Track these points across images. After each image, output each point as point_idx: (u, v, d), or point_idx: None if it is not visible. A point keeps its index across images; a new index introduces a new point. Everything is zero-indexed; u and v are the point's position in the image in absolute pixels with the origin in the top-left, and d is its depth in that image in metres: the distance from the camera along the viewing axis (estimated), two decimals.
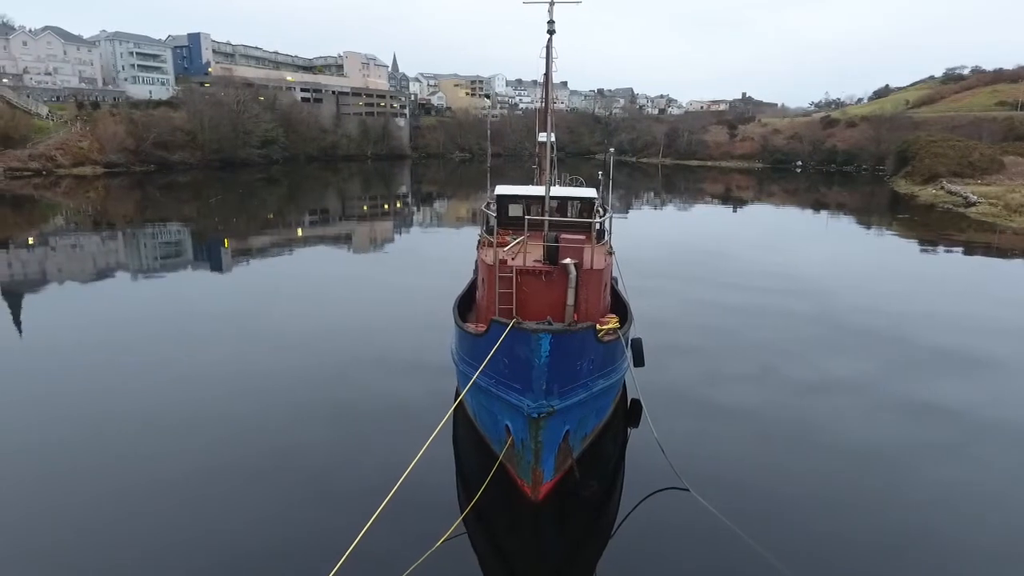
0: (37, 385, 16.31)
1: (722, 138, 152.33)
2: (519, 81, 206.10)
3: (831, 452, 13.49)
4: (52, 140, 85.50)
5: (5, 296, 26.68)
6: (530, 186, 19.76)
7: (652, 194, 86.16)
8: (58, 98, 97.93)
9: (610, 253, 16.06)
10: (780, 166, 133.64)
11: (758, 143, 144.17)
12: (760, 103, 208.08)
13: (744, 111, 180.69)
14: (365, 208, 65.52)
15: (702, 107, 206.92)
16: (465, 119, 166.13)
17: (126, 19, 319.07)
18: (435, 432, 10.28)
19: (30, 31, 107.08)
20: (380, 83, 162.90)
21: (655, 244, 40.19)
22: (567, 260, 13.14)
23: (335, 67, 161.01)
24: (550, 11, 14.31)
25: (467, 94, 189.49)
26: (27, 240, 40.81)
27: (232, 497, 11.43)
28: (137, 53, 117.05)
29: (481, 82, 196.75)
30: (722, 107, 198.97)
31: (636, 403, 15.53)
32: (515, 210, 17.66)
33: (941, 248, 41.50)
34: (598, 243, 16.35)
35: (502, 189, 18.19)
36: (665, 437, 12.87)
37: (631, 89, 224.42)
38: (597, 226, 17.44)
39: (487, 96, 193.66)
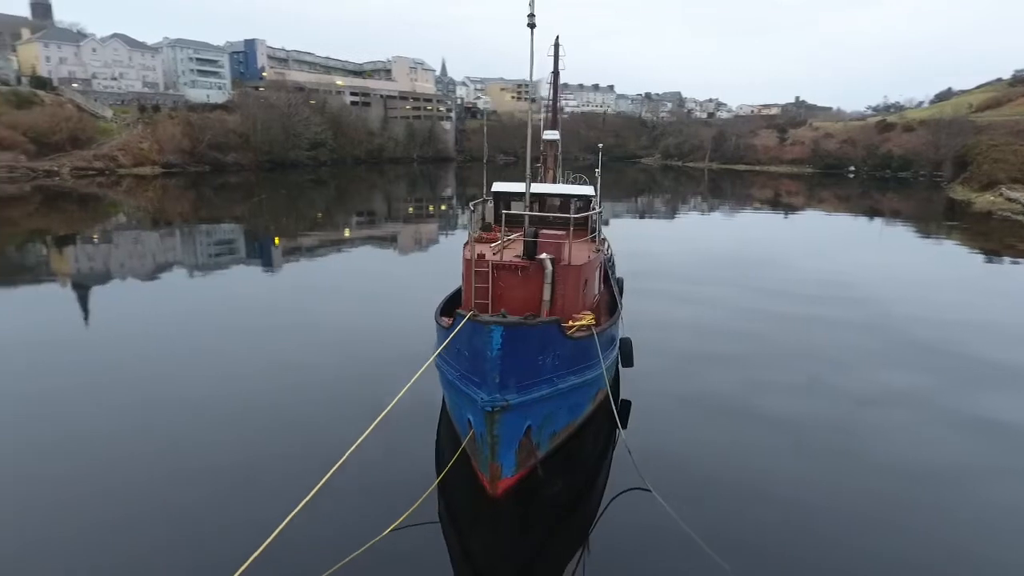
0: (98, 374, 17.11)
1: (771, 142, 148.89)
2: (565, 85, 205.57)
3: (877, 468, 12.96)
4: (115, 141, 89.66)
5: (73, 288, 28.20)
6: (533, 184, 19.54)
7: (699, 199, 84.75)
8: (122, 102, 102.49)
9: (598, 251, 15.71)
10: (832, 171, 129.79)
11: (809, 148, 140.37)
12: (814, 107, 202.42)
13: (796, 115, 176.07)
14: (411, 210, 66.48)
15: (752, 111, 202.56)
16: (510, 123, 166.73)
17: (188, 26, 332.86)
18: (378, 419, 9.65)
19: (99, 39, 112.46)
20: (427, 87, 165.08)
21: (701, 249, 39.63)
22: (543, 255, 13.15)
23: (384, 71, 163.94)
24: (531, 3, 13.59)
25: (512, 98, 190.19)
26: (92, 236, 42.92)
27: (240, 480, 11.76)
28: (196, 59, 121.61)
29: (527, 86, 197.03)
30: (773, 111, 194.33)
31: (627, 404, 15.47)
32: (510, 207, 17.62)
33: (1006, 259, 39.64)
34: (591, 240, 16.16)
35: (499, 186, 18.12)
36: (672, 443, 12.98)
37: (679, 93, 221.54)
38: (586, 223, 17.00)
39: (532, 100, 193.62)
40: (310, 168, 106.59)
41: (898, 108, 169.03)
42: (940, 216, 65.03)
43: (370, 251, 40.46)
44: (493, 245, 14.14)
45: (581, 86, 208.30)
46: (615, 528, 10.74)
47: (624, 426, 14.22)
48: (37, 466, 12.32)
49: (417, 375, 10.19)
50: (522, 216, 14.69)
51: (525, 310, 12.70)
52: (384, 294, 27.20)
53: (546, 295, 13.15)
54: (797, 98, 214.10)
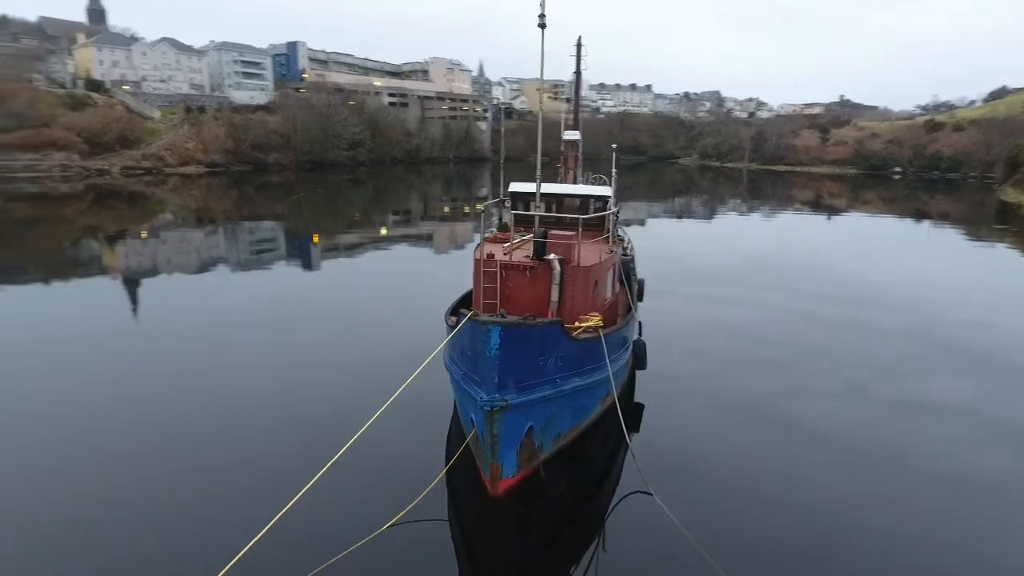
0: (146, 364, 17.76)
1: (813, 142, 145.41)
2: (602, 85, 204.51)
3: (922, 479, 12.59)
4: (162, 141, 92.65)
5: (124, 283, 29.28)
6: (547, 184, 19.44)
7: (738, 200, 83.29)
8: (170, 103, 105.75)
9: (611, 252, 15.50)
10: (876, 172, 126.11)
11: (852, 148, 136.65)
12: (859, 106, 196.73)
13: (840, 114, 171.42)
14: (446, 209, 66.97)
15: (794, 110, 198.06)
16: (545, 123, 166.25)
17: (234, 29, 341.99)
18: (375, 416, 9.87)
19: (149, 43, 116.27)
20: (464, 88, 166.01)
21: (740, 251, 38.96)
22: (551, 256, 13.02)
23: (421, 72, 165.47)
24: (542, 4, 13.56)
25: (549, 98, 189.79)
26: (140, 233, 44.44)
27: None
28: (240, 61, 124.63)
29: (563, 86, 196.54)
30: (816, 110, 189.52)
31: (639, 407, 15.31)
32: (520, 207, 17.66)
33: None
34: (605, 241, 16.01)
35: (515, 186, 18.05)
36: (686, 448, 12.82)
37: (718, 92, 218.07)
38: (602, 223, 16.77)
39: (568, 100, 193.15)
40: (348, 168, 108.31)
41: (949, 107, 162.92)
42: (991, 219, 62.62)
43: (405, 250, 40.91)
44: (505, 245, 14.20)
45: (618, 86, 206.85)
46: (616, 533, 10.64)
47: (637, 429, 14.17)
48: (74, 455, 12.85)
49: (413, 376, 10.30)
50: (544, 216, 14.65)
51: (533, 310, 12.69)
52: (417, 291, 27.49)
53: (554, 296, 13.10)
54: (841, 97, 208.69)
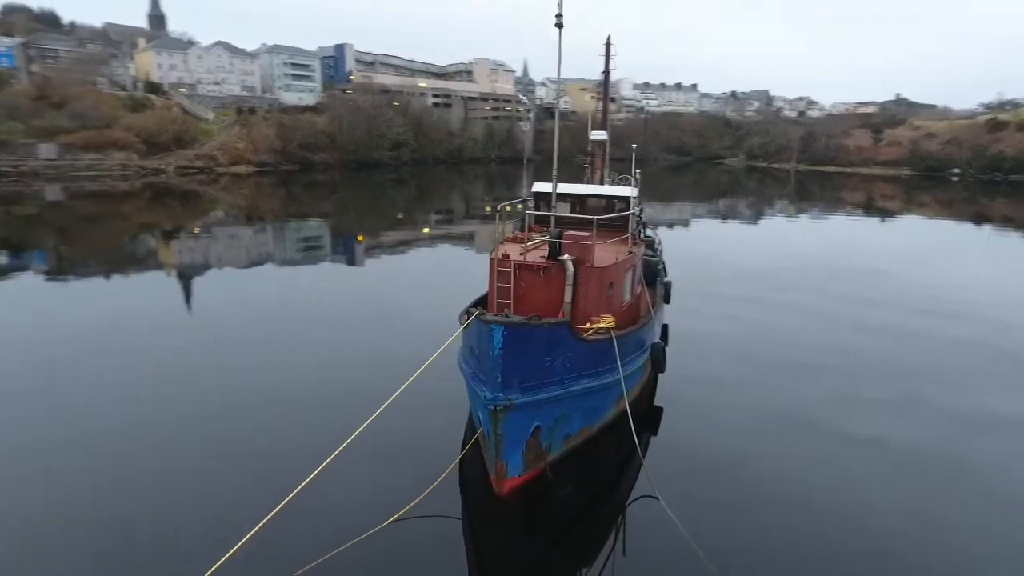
0: (200, 355, 18.41)
1: (865, 142, 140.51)
2: (646, 84, 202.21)
3: (987, 500, 11.93)
4: (214, 142, 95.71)
5: (179, 278, 30.38)
6: (570, 184, 19.29)
7: (785, 201, 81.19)
8: (222, 105, 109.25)
9: (630, 253, 15.24)
10: (932, 174, 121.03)
11: (907, 148, 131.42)
12: (916, 104, 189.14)
13: (896, 113, 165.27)
14: (488, 209, 67.29)
15: (847, 109, 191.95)
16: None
17: (286, 32, 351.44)
18: (379, 411, 9.86)
19: (204, 46, 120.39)
20: (507, 88, 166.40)
21: (787, 255, 37.97)
22: (564, 256, 12.91)
23: (465, 73, 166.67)
24: (559, 4, 13.41)
25: (592, 98, 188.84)
26: (193, 230, 46.03)
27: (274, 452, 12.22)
28: (290, 63, 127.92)
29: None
30: (870, 109, 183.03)
31: (658, 410, 15.09)
32: (543, 207, 17.52)
33: None
34: (624, 241, 15.83)
35: (539, 186, 17.93)
36: (702, 454, 12.59)
37: (767, 91, 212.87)
38: (623, 223, 16.46)
39: (612, 100, 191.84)
40: (392, 168, 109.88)
41: (1015, 105, 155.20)
42: None
43: (447, 249, 41.25)
44: (524, 245, 14.16)
45: (663, 85, 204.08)
46: (621, 538, 10.49)
47: (655, 433, 14.07)
48: (103, 442, 13.36)
49: (418, 372, 10.42)
50: (562, 216, 14.60)
51: (547, 311, 12.68)
52: (456, 289, 27.55)
53: (567, 296, 13.01)
54: (898, 95, 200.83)
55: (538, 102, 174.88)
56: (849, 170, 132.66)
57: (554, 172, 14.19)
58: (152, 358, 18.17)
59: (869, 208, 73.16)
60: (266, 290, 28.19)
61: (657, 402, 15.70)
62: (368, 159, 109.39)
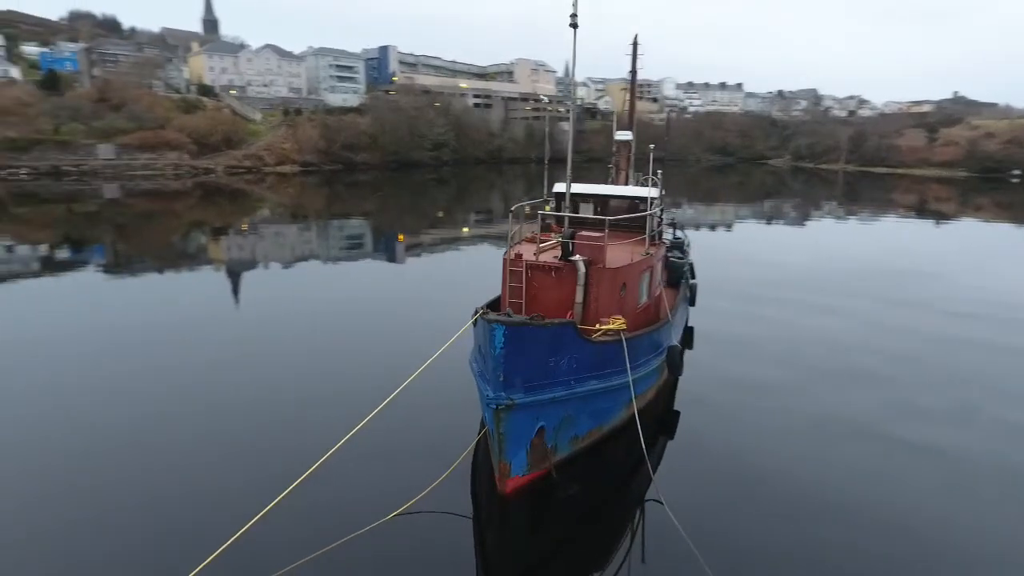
0: (238, 348, 18.96)
1: (918, 142, 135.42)
2: (690, 84, 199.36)
3: None
4: (262, 142, 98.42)
5: (227, 274, 31.37)
6: (590, 184, 18.89)
7: (834, 203, 78.90)
8: (270, 106, 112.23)
9: (648, 254, 14.95)
10: (991, 175, 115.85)
11: (963, 148, 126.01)
12: (975, 103, 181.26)
13: (952, 112, 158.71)
14: (528, 210, 67.27)
15: (900, 108, 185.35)
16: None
17: (334, 34, 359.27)
18: (383, 404, 10.08)
19: (254, 49, 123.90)
20: (548, 88, 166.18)
21: (835, 258, 36.90)
22: (576, 257, 12.78)
23: (506, 74, 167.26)
24: (574, 4, 13.27)
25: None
26: (241, 227, 47.40)
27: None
28: (336, 65, 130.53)
29: (649, 86, 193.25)
30: (926, 108, 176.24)
31: (675, 414, 14.88)
32: (569, 208, 17.36)
33: None
34: (650, 243, 15.62)
35: (560, 187, 17.71)
36: (717, 460, 12.35)
37: (815, 90, 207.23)
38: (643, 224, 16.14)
39: (654, 100, 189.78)
40: (432, 167, 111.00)
41: None
42: None
43: (486, 248, 41.44)
44: (541, 245, 14.12)
45: (707, 85, 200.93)
46: (620, 541, 10.33)
47: (672, 436, 13.91)
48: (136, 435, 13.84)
49: (420, 370, 10.55)
50: (575, 217, 14.58)
51: (559, 312, 12.66)
52: (491, 288, 27.75)
53: (578, 297, 12.94)
54: (955, 93, 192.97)
55: (579, 102, 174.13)
56: (901, 171, 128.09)
57: (568, 173, 14.21)
58: (193, 350, 18.79)
59: (922, 211, 70.51)
60: (307, 286, 28.83)
61: (676, 406, 15.49)
62: (409, 159, 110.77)
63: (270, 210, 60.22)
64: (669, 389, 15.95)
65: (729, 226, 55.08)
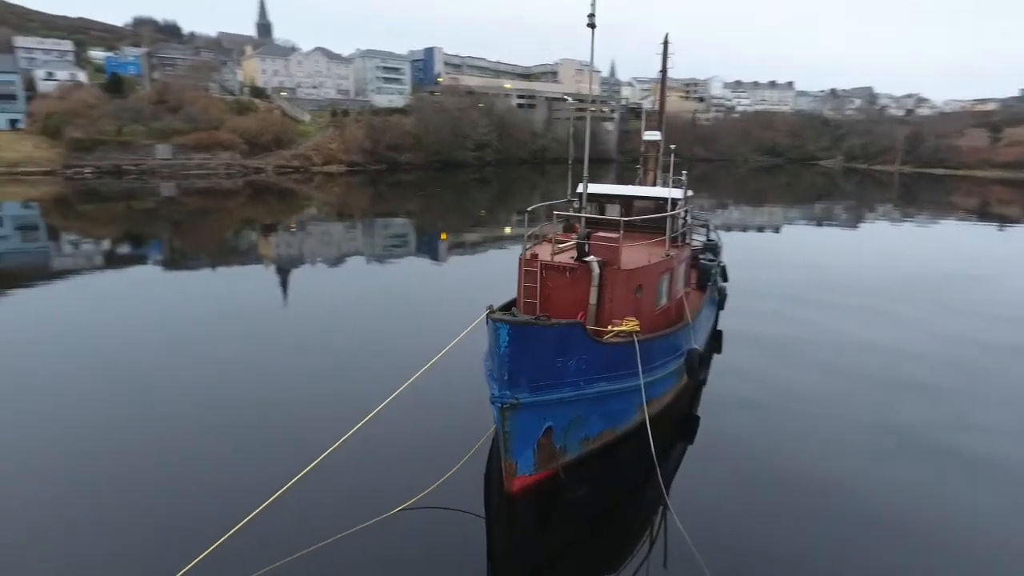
0: (291, 342, 19.46)
1: (981, 142, 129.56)
2: (738, 83, 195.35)
3: None
4: (310, 142, 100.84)
5: (277, 271, 32.26)
6: (613, 185, 18.66)
7: (889, 206, 76.11)
8: (319, 107, 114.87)
9: (668, 256, 14.60)
10: None
11: None
12: None
13: (1019, 111, 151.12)
14: (571, 210, 66.98)
15: (962, 107, 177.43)
16: (675, 123, 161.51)
17: (384, 38, 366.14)
18: (389, 399, 10.50)
19: (304, 52, 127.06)
20: (592, 88, 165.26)
21: (891, 262, 35.57)
22: (590, 258, 12.63)
23: (550, 74, 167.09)
24: (593, 4, 13.13)
25: (680, 97, 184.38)
26: (289, 226, 48.66)
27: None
28: (382, 67, 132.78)
29: (696, 85, 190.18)
30: (990, 106, 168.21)
31: (695, 419, 14.60)
32: (591, 209, 17.35)
33: None
34: (672, 245, 15.33)
35: (592, 188, 17.61)
36: (732, 467, 11.98)
37: (870, 88, 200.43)
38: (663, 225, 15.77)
39: (701, 99, 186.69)
40: (475, 167, 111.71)
41: None
42: None
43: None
44: (558, 246, 14.04)
45: (756, 83, 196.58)
46: (626, 548, 10.11)
47: (691, 441, 13.71)
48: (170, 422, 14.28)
49: (427, 367, 10.70)
50: (591, 217, 14.53)
51: (573, 312, 12.60)
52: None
53: (592, 298, 12.81)
54: (1023, 91, 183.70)
55: (623, 102, 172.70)
56: (961, 172, 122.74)
57: (585, 174, 14.10)
58: (228, 344, 19.38)
59: (984, 214, 67.37)
60: (349, 283, 29.40)
61: (699, 410, 15.19)
62: (452, 159, 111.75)
63: (317, 209, 61.62)
64: (691, 393, 15.69)
65: (777, 228, 53.71)
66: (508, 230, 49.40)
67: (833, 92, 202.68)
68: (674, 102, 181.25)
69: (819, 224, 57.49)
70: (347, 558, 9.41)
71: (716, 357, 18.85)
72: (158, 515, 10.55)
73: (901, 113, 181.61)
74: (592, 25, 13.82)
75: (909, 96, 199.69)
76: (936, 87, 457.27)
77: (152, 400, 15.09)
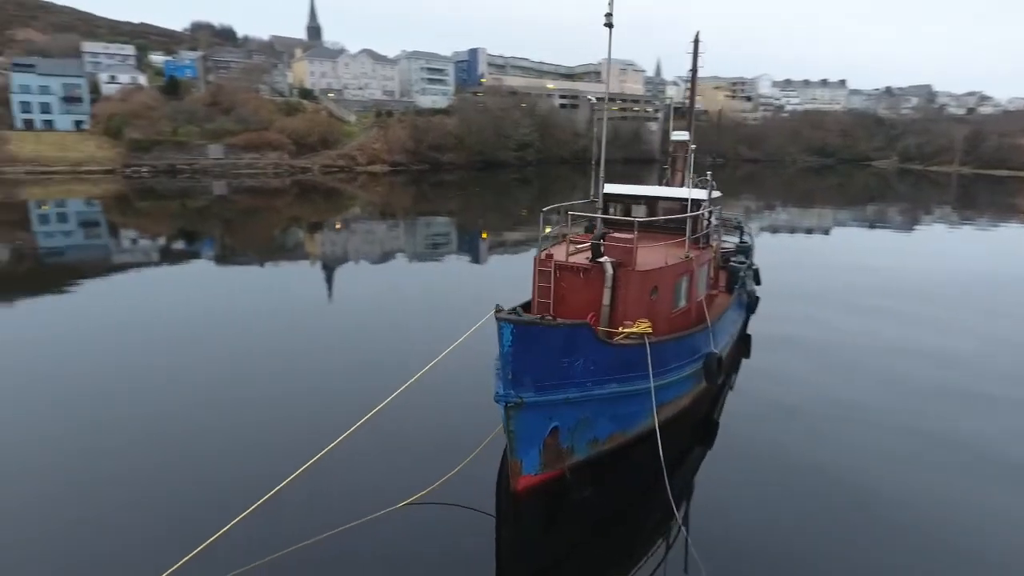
0: (320, 337, 19.96)
1: None
2: (787, 81, 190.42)
3: None
4: (355, 143, 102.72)
5: (323, 268, 33.05)
6: (632, 185, 18.31)
7: (946, 208, 73.01)
8: (364, 108, 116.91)
9: (688, 258, 14.25)
10: None
11: None
12: None
13: None
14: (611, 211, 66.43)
15: None
16: (720, 123, 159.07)
17: (431, 39, 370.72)
18: (395, 394, 10.25)
19: (351, 54, 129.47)
20: (636, 88, 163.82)
21: (949, 267, 34.11)
22: (604, 259, 12.48)
23: (594, 74, 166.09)
24: (610, 3, 13.03)
25: (727, 96, 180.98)
26: (335, 224, 49.71)
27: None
28: (427, 68, 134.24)
29: (743, 83, 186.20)
30: None
31: (714, 425, 14.33)
32: (616, 210, 17.29)
33: None
34: (701, 247, 15.06)
35: (609, 188, 17.50)
36: (748, 474, 11.74)
37: (929, 86, 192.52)
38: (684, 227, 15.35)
39: (748, 98, 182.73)
40: (516, 167, 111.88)
41: None
42: None
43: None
44: (573, 247, 13.91)
45: (807, 82, 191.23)
46: (627, 553, 9.91)
47: (710, 446, 13.48)
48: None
49: (437, 360, 10.87)
50: (607, 218, 14.56)
51: (587, 313, 12.53)
52: None
53: (605, 299, 12.68)
54: None
55: (668, 102, 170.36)
56: None
57: (600, 174, 13.93)
58: (268, 337, 19.98)
59: None
60: (389, 280, 29.83)
61: (719, 415, 14.88)
62: (494, 159, 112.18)
63: (361, 208, 62.76)
64: (710, 397, 15.37)
65: (827, 230, 52.16)
66: (548, 229, 49.31)
67: (888, 90, 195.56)
68: (720, 101, 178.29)
69: (871, 227, 55.59)
70: (351, 549, 9.57)
71: (744, 362, 18.52)
72: (163, 502, 10.96)
73: (961, 112, 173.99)
74: (609, 25, 13.76)
75: (971, 94, 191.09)
76: (1000, 85, 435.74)
77: (175, 390, 15.64)
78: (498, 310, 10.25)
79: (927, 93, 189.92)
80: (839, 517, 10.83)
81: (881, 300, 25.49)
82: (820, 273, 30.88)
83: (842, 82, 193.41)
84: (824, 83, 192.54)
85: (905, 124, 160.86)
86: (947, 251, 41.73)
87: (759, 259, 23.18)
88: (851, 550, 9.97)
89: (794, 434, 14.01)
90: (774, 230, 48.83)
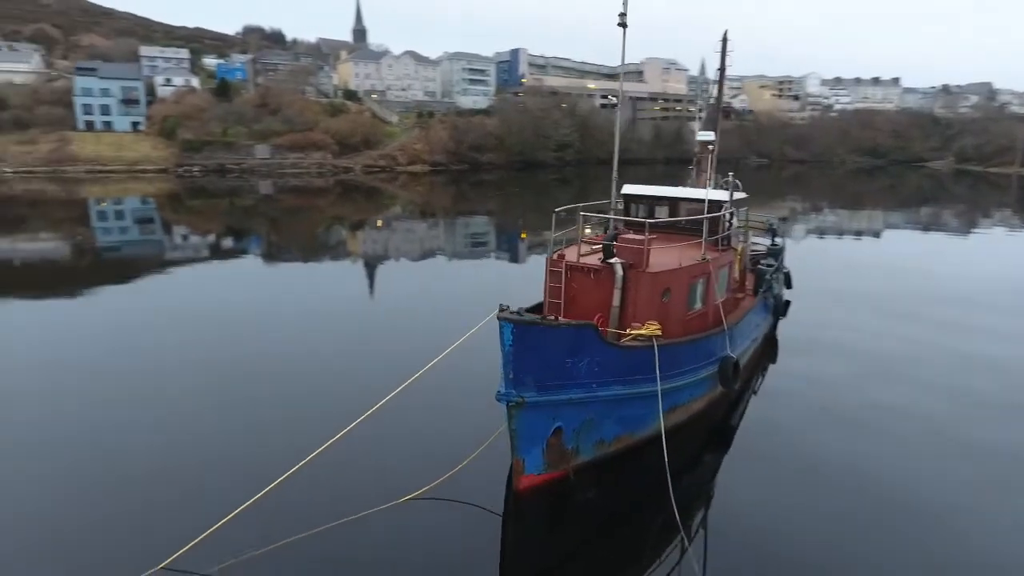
0: (370, 333, 20.27)
1: None
2: (837, 79, 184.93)
3: None
4: (396, 143, 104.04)
5: (364, 266, 33.66)
6: (651, 186, 18.03)
7: (1007, 211, 69.75)
8: (406, 109, 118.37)
9: (704, 260, 13.90)
10: None
11: None
12: None
13: None
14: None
15: None
16: (767, 122, 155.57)
17: (474, 39, 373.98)
18: (398, 390, 10.48)
19: (395, 56, 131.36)
20: (679, 87, 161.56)
21: (1008, 276, 32.56)
22: (615, 260, 12.35)
23: (635, 73, 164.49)
24: (624, 3, 12.95)
25: (773, 95, 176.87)
26: (376, 223, 50.51)
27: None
28: (468, 69, 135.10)
29: (791, 82, 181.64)
30: None
31: (731, 429, 14.07)
32: (637, 211, 17.10)
33: None
34: (720, 248, 14.81)
35: (628, 189, 17.31)
36: (775, 489, 11.41)
37: (989, 84, 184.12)
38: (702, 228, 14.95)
39: (795, 97, 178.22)
40: (555, 168, 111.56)
41: None
42: None
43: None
44: (585, 247, 13.84)
45: (858, 80, 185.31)
46: (627, 557, 9.76)
47: (726, 450, 13.23)
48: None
49: (441, 356, 10.99)
50: (620, 219, 14.56)
51: (597, 314, 12.46)
52: None
53: (615, 300, 12.56)
54: None
55: (711, 101, 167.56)
56: None
57: (614, 175, 13.74)
58: (298, 333, 20.33)
59: None
60: (425, 278, 30.16)
61: (737, 420, 14.53)
62: (533, 159, 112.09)
63: (401, 207, 63.60)
64: (727, 401, 15.04)
65: (877, 233, 50.51)
66: (588, 230, 49.04)
67: (945, 88, 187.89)
68: (767, 100, 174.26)
69: (925, 230, 53.57)
70: (353, 541, 9.70)
71: (771, 367, 18.16)
72: (176, 488, 11.27)
73: None
74: (623, 24, 13.65)
75: None
76: None
77: (193, 380, 16.20)
78: (502, 309, 10.27)
79: (987, 91, 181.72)
80: (847, 527, 10.53)
81: (924, 306, 24.57)
82: (864, 276, 29.94)
83: (895, 80, 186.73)
84: (876, 81, 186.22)
85: (963, 123, 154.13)
86: (1006, 256, 39.86)
87: (800, 262, 22.66)
88: (865, 566, 9.62)
89: (813, 440, 13.65)
90: (821, 232, 47.52)
